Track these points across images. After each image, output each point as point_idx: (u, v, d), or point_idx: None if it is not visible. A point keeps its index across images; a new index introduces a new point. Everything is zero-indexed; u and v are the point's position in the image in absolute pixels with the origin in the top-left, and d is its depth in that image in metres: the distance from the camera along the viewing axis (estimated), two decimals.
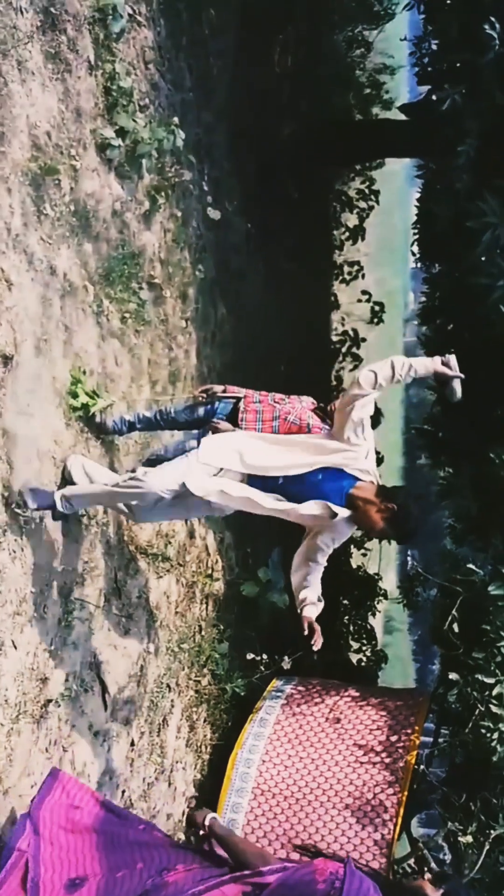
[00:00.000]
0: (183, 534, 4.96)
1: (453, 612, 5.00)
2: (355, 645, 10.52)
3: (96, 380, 3.67)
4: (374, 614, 10.86)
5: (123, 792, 3.78)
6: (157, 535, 4.51)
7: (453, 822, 4.52)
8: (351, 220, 11.01)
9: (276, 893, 2.24)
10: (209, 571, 5.43)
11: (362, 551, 11.60)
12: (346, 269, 10.86)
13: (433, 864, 4.93)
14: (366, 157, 10.34)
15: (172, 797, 4.37)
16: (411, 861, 4.80)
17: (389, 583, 12.28)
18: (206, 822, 2.73)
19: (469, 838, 4.65)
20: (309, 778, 4.78)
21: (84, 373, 3.47)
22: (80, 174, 3.60)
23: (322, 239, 10.68)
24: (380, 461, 11.07)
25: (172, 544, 4.70)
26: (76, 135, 3.60)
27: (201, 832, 2.75)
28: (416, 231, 8.69)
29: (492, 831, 4.32)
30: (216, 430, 3.32)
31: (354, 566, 11.38)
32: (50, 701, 3.12)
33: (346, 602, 10.86)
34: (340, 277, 10.93)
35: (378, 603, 11.09)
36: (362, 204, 10.79)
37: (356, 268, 10.80)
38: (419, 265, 9.33)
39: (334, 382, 11.92)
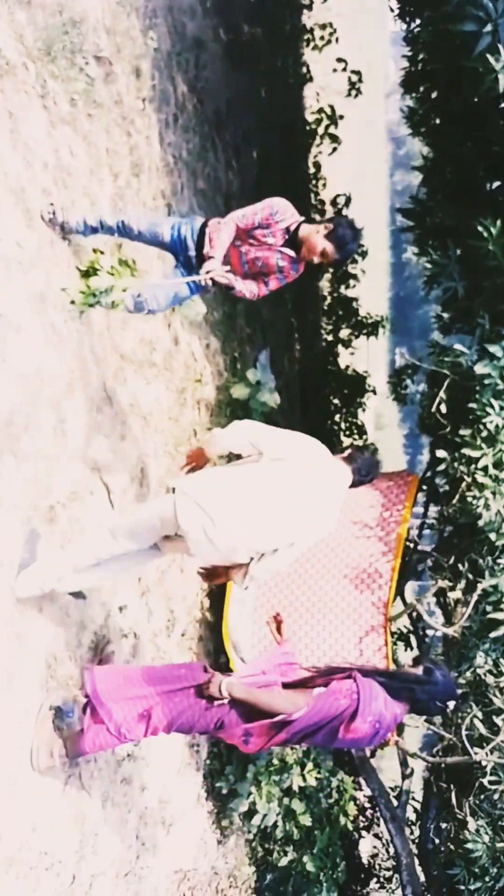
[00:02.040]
0: (167, 340, 4.89)
1: (441, 394, 5.10)
2: (347, 441, 10.88)
3: (52, 174, 3.37)
4: (363, 410, 11.11)
5: (140, 580, 4.07)
6: (141, 342, 4.44)
7: (443, 580, 4.96)
8: None
9: (309, 725, 2.73)
10: (198, 377, 5.43)
11: (350, 350, 11.60)
12: (317, 32, 9.63)
13: (426, 619, 5.49)
14: None
15: (185, 581, 4.73)
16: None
17: (378, 381, 12.40)
18: (224, 692, 2.76)
19: (458, 594, 5.13)
20: (310, 555, 5.16)
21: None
22: None
23: None
24: (364, 254, 10.71)
25: (157, 350, 4.65)
26: None
27: (223, 701, 2.79)
28: None
29: (479, 585, 4.75)
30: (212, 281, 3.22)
31: (342, 366, 11.45)
32: (56, 504, 3.24)
33: (336, 401, 11.08)
34: (312, 43, 9.72)
35: (367, 399, 11.30)
36: None
37: (328, 31, 9.57)
38: (398, 23, 8.30)
39: (312, 170, 11.12)
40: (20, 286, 3.06)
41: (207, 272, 3.18)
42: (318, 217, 10.90)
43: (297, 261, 3.47)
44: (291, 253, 3.43)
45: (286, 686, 2.87)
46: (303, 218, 3.42)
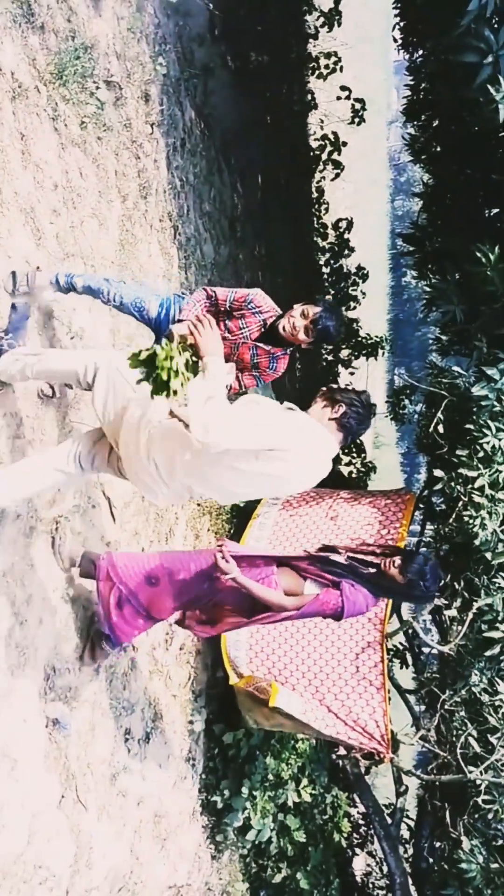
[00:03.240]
0: None
1: (438, 414, 5.17)
2: (345, 458, 10.94)
3: (61, 195, 3.47)
4: None
5: None
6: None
7: (439, 598, 4.99)
8: (325, 2, 9.82)
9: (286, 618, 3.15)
10: None
11: (350, 370, 11.71)
12: (322, 61, 9.83)
13: (422, 636, 5.51)
14: None
15: None
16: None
17: (377, 401, 12.50)
18: (228, 569, 3.06)
19: (454, 612, 5.16)
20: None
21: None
22: None
23: (293, 25, 9.59)
24: (365, 277, 10.85)
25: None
26: None
27: (228, 575, 3.09)
28: (396, 8, 7.84)
29: (474, 604, 4.79)
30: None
31: (343, 385, 11.54)
32: (60, 517, 3.30)
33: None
34: (317, 72, 9.92)
35: None
36: None
37: (333, 59, 9.77)
38: (401, 52, 8.50)
39: (315, 194, 11.31)
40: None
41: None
42: (319, 241, 11.07)
43: (276, 357, 3.27)
44: (267, 347, 3.22)
45: (281, 564, 3.26)
46: (280, 312, 3.19)
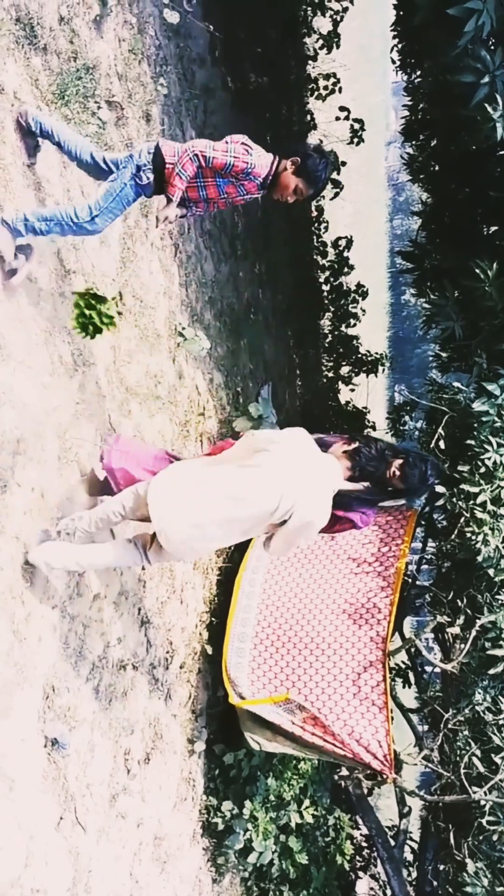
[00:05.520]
0: (172, 374, 4.97)
1: (439, 430, 5.17)
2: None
3: None
4: None
5: (140, 610, 4.08)
6: (146, 375, 4.52)
7: (442, 616, 4.95)
8: (324, 24, 9.97)
9: None
10: (201, 410, 5.51)
11: (350, 387, 11.74)
12: (321, 82, 9.96)
13: (424, 654, 5.46)
14: None
15: (185, 613, 4.73)
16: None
17: (378, 417, 12.52)
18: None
19: (457, 629, 5.12)
20: (309, 591, 5.17)
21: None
22: None
23: (293, 48, 9.73)
24: (364, 295, 10.90)
25: (162, 384, 4.73)
26: None
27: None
28: (394, 31, 7.96)
29: (477, 621, 4.75)
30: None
31: (343, 402, 11.57)
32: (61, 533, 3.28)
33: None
34: (316, 93, 10.05)
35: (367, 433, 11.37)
36: (335, 5, 9.72)
37: (332, 81, 9.90)
38: (399, 74, 8.62)
39: (315, 213, 11.40)
40: (29, 315, 3.15)
41: (165, 219, 3.12)
42: (319, 258, 11.14)
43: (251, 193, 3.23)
44: (255, 195, 3.23)
45: None
46: (272, 157, 3.13)
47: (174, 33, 5.18)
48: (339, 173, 10.17)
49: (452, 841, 5.18)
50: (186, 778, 4.59)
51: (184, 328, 4.93)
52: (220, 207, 3.37)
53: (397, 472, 3.15)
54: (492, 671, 4.76)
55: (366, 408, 11.29)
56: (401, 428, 8.55)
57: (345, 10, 9.83)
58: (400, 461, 3.18)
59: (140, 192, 3.15)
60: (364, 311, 11.38)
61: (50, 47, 3.48)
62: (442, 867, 5.60)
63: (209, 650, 5.02)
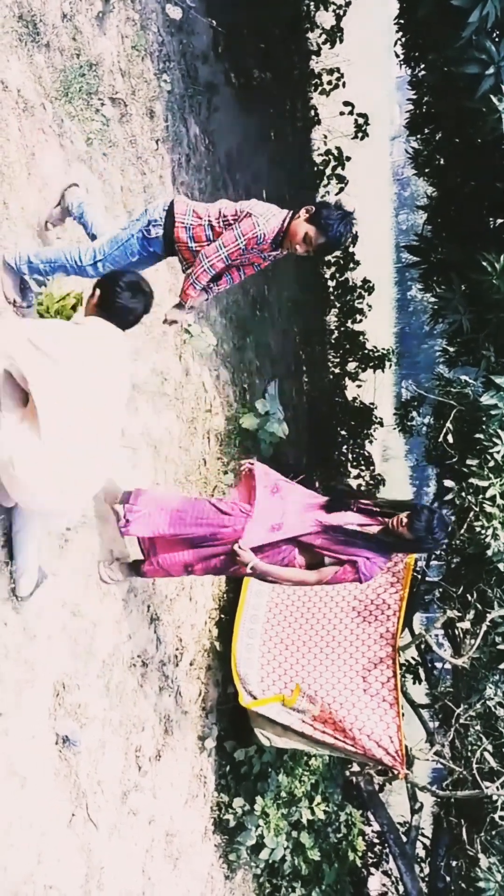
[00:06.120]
0: (178, 371, 4.97)
1: (448, 424, 5.15)
2: (354, 472, 10.89)
3: None
4: (370, 441, 11.15)
5: (149, 607, 4.08)
6: (153, 372, 4.52)
7: (452, 611, 4.94)
8: (327, 19, 9.92)
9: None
10: (208, 407, 5.50)
11: (357, 383, 11.71)
12: (325, 77, 9.92)
13: (435, 650, 5.44)
14: None
15: (194, 609, 4.73)
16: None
17: (385, 413, 12.50)
18: (248, 569, 3.29)
19: (467, 624, 5.11)
20: (317, 587, 5.15)
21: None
22: None
23: (296, 43, 9.69)
24: (370, 290, 10.86)
25: (169, 381, 4.72)
26: None
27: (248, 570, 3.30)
28: (398, 24, 7.92)
29: (488, 615, 4.73)
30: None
31: (350, 398, 11.55)
32: (67, 532, 3.28)
33: (343, 432, 11.13)
34: (320, 88, 10.01)
35: (374, 431, 11.36)
36: (338, 0, 9.69)
37: (336, 76, 9.86)
38: (403, 68, 8.57)
39: None
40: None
41: (171, 322, 3.28)
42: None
43: (271, 256, 3.21)
44: (278, 252, 3.17)
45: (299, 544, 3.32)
46: (287, 213, 3.08)
47: (177, 29, 5.16)
48: (343, 168, 10.14)
49: (465, 836, 5.17)
50: (197, 774, 4.59)
51: (190, 325, 4.92)
52: (247, 274, 3.38)
53: (404, 520, 3.14)
54: (503, 666, 4.75)
55: (373, 403, 11.27)
56: (408, 424, 8.52)
57: (348, 4, 9.79)
58: (408, 511, 3.19)
59: (146, 245, 3.10)
60: (370, 306, 11.34)
61: (53, 44, 3.48)
62: (454, 863, 5.58)
63: (218, 647, 5.01)
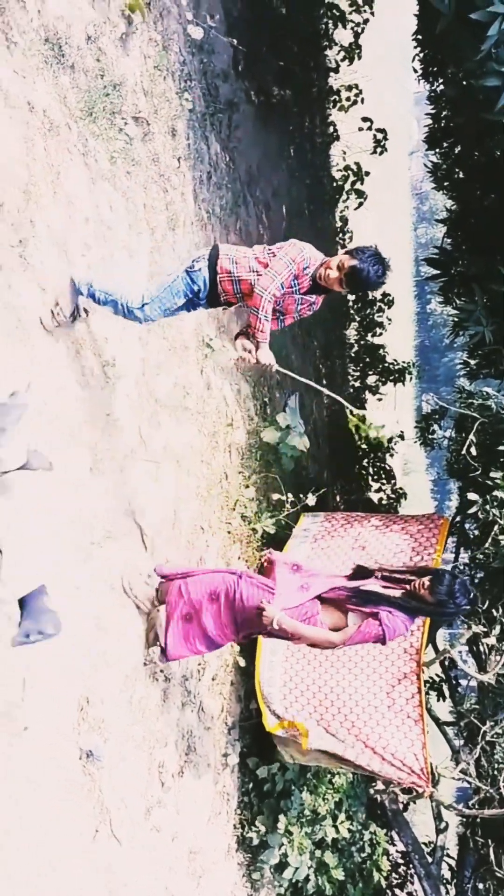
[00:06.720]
0: (200, 385, 4.99)
1: (471, 436, 5.11)
2: (375, 485, 10.82)
3: (92, 228, 3.54)
4: (391, 455, 11.08)
5: None
6: (175, 387, 4.55)
7: (476, 626, 4.87)
8: (345, 36, 10.01)
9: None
10: (229, 421, 5.51)
11: (378, 396, 11.68)
12: (343, 94, 9.99)
13: (459, 665, 5.37)
14: None
15: None
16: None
17: (406, 426, 12.44)
18: (275, 625, 3.28)
19: (492, 640, 5.03)
20: None
21: None
22: None
23: (315, 60, 9.78)
24: (390, 304, 10.85)
25: (190, 395, 4.75)
26: None
27: (272, 629, 3.31)
28: (416, 39, 7.98)
29: None
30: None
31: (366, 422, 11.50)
32: (92, 543, 3.30)
33: (364, 446, 11.07)
34: (338, 104, 10.08)
35: (395, 444, 11.29)
36: (356, 17, 9.77)
37: (354, 92, 9.93)
38: (421, 83, 8.62)
39: (339, 223, 11.40)
40: (61, 333, 3.19)
41: (269, 365, 3.40)
42: None
43: (314, 303, 3.42)
44: (313, 298, 3.37)
45: (323, 601, 3.37)
46: (326, 260, 3.27)
47: (198, 49, 5.24)
48: (362, 183, 10.19)
49: (492, 857, 5.06)
50: (220, 791, 4.55)
51: (211, 339, 4.95)
52: (285, 324, 3.55)
53: (426, 584, 3.19)
54: None
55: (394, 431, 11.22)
56: (430, 437, 8.47)
57: (366, 21, 9.88)
58: (430, 576, 3.23)
59: (191, 286, 3.21)
60: (390, 320, 11.33)
61: (77, 65, 3.55)
62: (481, 885, 5.46)
63: (241, 662, 4.99)
